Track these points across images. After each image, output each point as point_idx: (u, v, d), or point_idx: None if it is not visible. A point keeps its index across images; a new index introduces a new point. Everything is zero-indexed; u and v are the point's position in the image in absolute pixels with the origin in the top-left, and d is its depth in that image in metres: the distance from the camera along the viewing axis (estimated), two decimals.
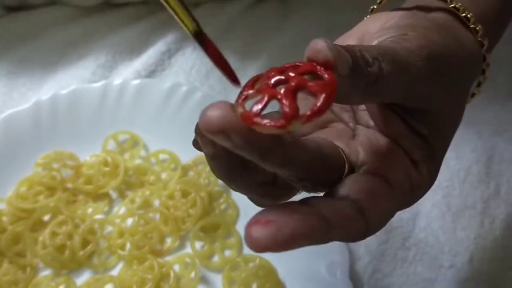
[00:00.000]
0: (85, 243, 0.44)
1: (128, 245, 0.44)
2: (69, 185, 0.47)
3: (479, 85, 0.30)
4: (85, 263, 0.43)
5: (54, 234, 0.43)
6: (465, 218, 0.46)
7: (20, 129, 0.49)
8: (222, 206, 0.47)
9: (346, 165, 0.24)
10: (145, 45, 0.58)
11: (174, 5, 0.23)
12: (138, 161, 0.49)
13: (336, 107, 0.28)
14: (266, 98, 0.18)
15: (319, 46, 0.19)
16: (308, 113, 0.18)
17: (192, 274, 0.43)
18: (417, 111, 0.24)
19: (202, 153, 0.22)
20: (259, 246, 0.18)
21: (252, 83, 0.20)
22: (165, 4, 0.24)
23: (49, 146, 0.48)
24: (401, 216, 0.46)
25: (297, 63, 0.20)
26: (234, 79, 0.21)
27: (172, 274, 0.42)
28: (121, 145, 0.50)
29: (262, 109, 0.18)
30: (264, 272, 0.42)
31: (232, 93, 0.54)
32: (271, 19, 0.63)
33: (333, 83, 0.19)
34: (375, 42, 0.25)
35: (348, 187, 0.22)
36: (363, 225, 0.22)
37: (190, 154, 0.48)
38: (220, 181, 0.47)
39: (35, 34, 0.59)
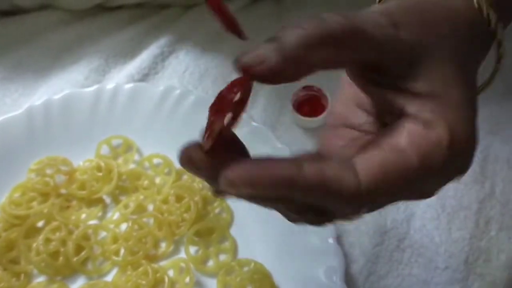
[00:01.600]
0: (79, 249, 0.44)
1: (122, 251, 0.43)
2: (63, 191, 0.47)
3: (493, 74, 0.28)
4: (79, 269, 0.43)
5: (48, 241, 0.43)
6: (460, 219, 0.46)
7: (13, 135, 0.49)
8: (217, 210, 0.46)
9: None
10: (138, 48, 0.58)
11: None
12: (131, 166, 0.49)
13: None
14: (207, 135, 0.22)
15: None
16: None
17: (187, 279, 0.42)
18: (404, 70, 0.23)
19: None
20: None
21: (214, 111, 0.23)
22: None
23: (42, 152, 0.48)
24: (396, 217, 0.46)
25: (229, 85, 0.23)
26: (239, 33, 0.21)
27: (166, 279, 0.42)
28: (114, 149, 0.50)
29: (211, 145, 0.22)
30: (259, 276, 0.42)
31: None
32: (266, 19, 0.63)
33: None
34: None
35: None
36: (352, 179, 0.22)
37: None
38: None
39: (28, 39, 0.58)
